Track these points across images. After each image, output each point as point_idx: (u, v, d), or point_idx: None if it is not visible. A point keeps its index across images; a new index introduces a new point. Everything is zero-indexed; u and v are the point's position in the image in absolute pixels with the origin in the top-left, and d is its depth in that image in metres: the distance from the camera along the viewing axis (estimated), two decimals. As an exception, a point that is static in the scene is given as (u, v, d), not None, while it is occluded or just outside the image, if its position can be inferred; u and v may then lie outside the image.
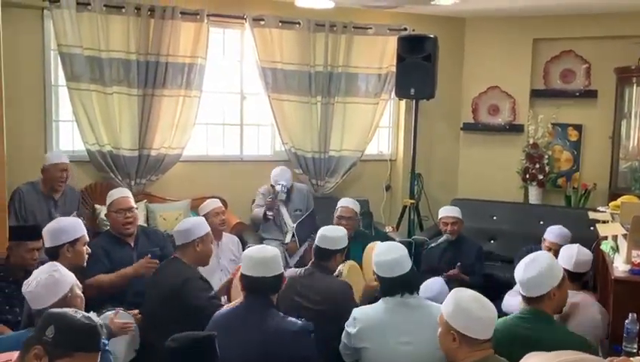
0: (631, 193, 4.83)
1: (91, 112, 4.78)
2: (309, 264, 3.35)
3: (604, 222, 3.94)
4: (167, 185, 5.18)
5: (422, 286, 3.25)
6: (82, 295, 2.43)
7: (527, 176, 5.77)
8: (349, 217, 4.51)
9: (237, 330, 2.57)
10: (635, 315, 2.77)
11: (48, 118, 4.86)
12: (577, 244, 3.36)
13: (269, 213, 4.82)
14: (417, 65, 5.28)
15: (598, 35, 5.63)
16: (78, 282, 2.44)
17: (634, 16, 5.32)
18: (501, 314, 2.62)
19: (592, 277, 3.87)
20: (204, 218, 3.77)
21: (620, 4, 5.09)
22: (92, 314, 2.05)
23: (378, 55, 5.68)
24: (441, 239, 4.54)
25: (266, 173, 5.11)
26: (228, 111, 5.54)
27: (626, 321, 2.78)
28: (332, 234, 3.33)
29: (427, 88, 5.32)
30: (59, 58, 4.70)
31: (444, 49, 5.56)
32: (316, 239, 3.34)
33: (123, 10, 4.79)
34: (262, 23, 5.25)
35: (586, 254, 3.30)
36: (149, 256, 3.57)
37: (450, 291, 2.35)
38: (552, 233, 4.07)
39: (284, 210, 4.84)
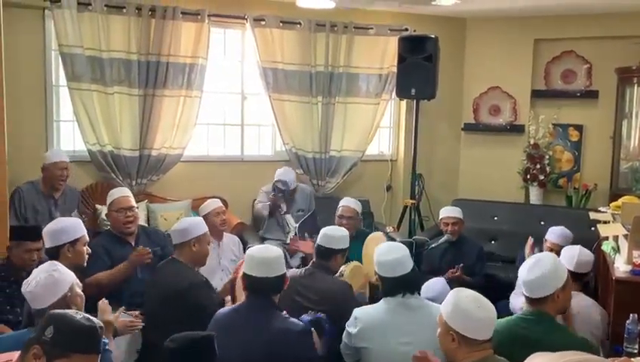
0: (632, 193, 4.83)
1: (92, 112, 4.79)
2: (310, 264, 3.35)
3: (605, 222, 3.95)
4: (168, 185, 5.18)
5: (423, 287, 3.25)
6: (82, 294, 2.43)
7: (528, 176, 5.77)
8: (350, 216, 4.52)
9: (239, 330, 2.57)
10: (636, 316, 2.77)
11: (49, 117, 4.87)
12: (579, 245, 3.36)
13: (279, 209, 4.79)
14: (418, 66, 5.28)
15: (598, 36, 5.62)
16: (78, 281, 2.44)
17: (635, 16, 5.32)
18: (501, 314, 2.61)
19: (592, 278, 3.87)
20: (202, 218, 3.77)
21: (621, 4, 5.08)
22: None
23: (379, 55, 5.67)
24: (442, 239, 4.53)
25: (267, 173, 5.11)
26: (229, 112, 5.53)
27: (627, 322, 2.78)
28: (334, 234, 3.34)
29: (428, 88, 5.32)
30: (60, 58, 4.71)
31: (445, 49, 5.55)
32: (318, 238, 3.35)
33: (124, 10, 4.80)
34: (263, 23, 5.25)
35: (588, 255, 3.30)
36: (147, 249, 3.58)
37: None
38: (554, 234, 4.06)
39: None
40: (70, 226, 3.24)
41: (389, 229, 5.23)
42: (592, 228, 4.30)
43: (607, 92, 5.65)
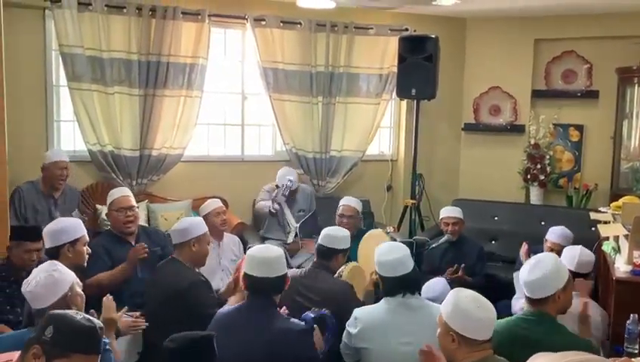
0: (632, 193, 4.82)
1: (92, 112, 4.78)
2: (311, 264, 3.35)
3: (605, 222, 3.94)
4: (169, 185, 5.18)
5: (424, 287, 3.25)
6: (83, 293, 2.43)
7: (529, 176, 5.76)
8: (351, 215, 4.53)
9: (240, 330, 2.57)
10: (636, 316, 2.77)
11: (50, 118, 4.86)
12: (580, 245, 3.36)
13: (274, 207, 4.79)
14: (418, 66, 5.28)
15: (599, 36, 5.62)
16: (78, 280, 2.43)
17: (635, 16, 5.31)
18: (502, 315, 2.60)
19: (593, 279, 3.86)
20: (202, 218, 3.77)
21: (622, 4, 5.08)
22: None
23: (379, 55, 5.67)
24: (443, 239, 4.54)
25: (267, 173, 5.11)
26: (229, 112, 5.53)
27: (628, 322, 2.78)
28: (335, 234, 3.35)
29: (428, 88, 5.32)
30: (60, 58, 4.71)
31: (446, 49, 5.55)
32: (319, 238, 3.35)
33: (124, 10, 4.80)
34: (263, 23, 5.25)
35: (589, 255, 3.30)
36: (143, 244, 3.58)
37: (452, 291, 2.35)
38: (554, 233, 4.06)
39: (287, 211, 4.84)
40: (70, 226, 3.24)
41: (390, 229, 5.22)
42: (593, 229, 4.30)
43: (607, 92, 5.65)
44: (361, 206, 4.66)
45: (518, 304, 3.33)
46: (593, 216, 4.21)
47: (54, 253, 3.13)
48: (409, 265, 2.80)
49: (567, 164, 5.94)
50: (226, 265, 4.31)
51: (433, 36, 5.33)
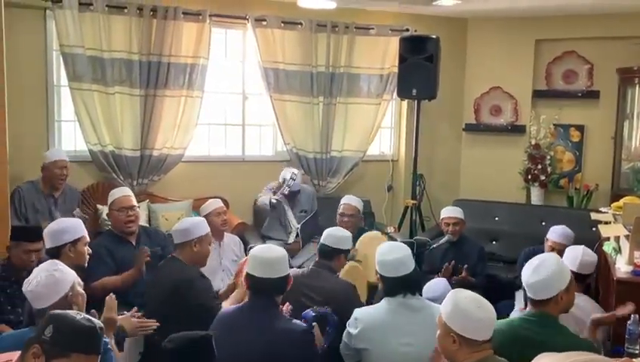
0: (633, 194, 4.81)
1: (93, 112, 4.79)
2: (312, 264, 3.35)
3: (606, 223, 3.94)
4: (169, 186, 5.18)
5: (425, 287, 3.25)
6: (84, 293, 2.43)
7: (529, 176, 5.76)
8: (352, 214, 4.53)
9: (241, 330, 2.57)
10: (637, 316, 2.76)
11: (50, 118, 4.87)
12: (582, 246, 3.36)
13: (275, 197, 4.77)
14: (419, 66, 5.28)
15: (600, 36, 5.62)
16: (79, 280, 2.43)
17: (636, 16, 5.31)
18: (502, 315, 2.60)
19: (594, 279, 3.86)
20: (204, 218, 3.78)
21: (622, 4, 5.08)
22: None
23: (380, 55, 5.67)
24: (443, 240, 4.53)
25: (268, 173, 5.11)
26: (230, 112, 5.53)
27: (628, 322, 2.77)
28: (337, 233, 3.36)
29: (429, 89, 5.32)
30: (61, 58, 4.71)
31: (446, 49, 5.55)
32: (322, 238, 3.35)
33: (125, 10, 4.80)
34: (264, 23, 5.25)
35: (591, 255, 3.29)
36: (146, 248, 3.59)
37: (453, 292, 2.34)
38: (555, 233, 4.07)
39: (289, 211, 4.85)
40: (71, 226, 3.24)
41: (390, 229, 5.23)
42: (593, 229, 4.29)
43: (608, 92, 5.65)
44: (362, 205, 4.66)
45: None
46: (594, 216, 4.20)
47: (55, 253, 3.12)
48: (410, 265, 2.79)
49: (568, 164, 5.94)
50: (226, 266, 4.31)
51: (434, 36, 5.33)
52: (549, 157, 5.73)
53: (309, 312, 2.83)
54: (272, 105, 5.38)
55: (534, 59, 5.90)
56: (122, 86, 4.86)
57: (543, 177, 5.71)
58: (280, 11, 5.30)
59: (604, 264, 3.78)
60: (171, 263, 3.35)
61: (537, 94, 5.94)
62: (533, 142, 5.77)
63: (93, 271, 3.43)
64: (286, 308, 2.84)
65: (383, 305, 2.76)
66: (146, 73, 4.90)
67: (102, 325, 1.92)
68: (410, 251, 2.87)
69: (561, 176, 5.91)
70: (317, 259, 3.35)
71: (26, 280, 2.36)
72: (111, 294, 2.75)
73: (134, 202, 3.94)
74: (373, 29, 5.62)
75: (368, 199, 5.46)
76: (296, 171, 4.87)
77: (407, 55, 5.33)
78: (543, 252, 4.10)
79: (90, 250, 3.32)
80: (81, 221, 3.44)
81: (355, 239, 3.69)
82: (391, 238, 4.51)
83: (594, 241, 3.89)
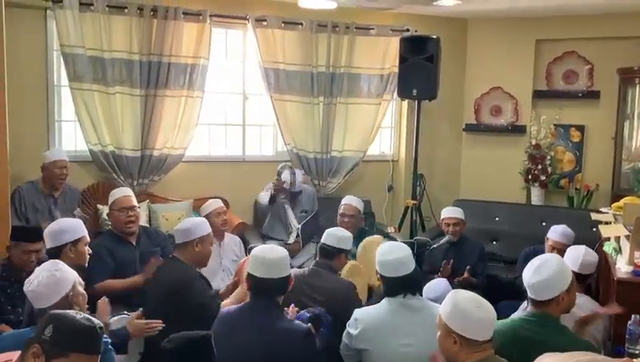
0: (633, 194, 4.81)
1: (94, 112, 4.79)
2: (313, 263, 3.35)
3: (606, 223, 3.94)
4: (170, 186, 5.18)
5: (425, 287, 3.25)
6: (84, 292, 2.43)
7: (530, 176, 5.77)
8: (352, 215, 4.53)
9: (242, 330, 2.57)
10: (637, 316, 2.76)
11: (51, 118, 4.87)
12: (584, 245, 3.35)
13: (274, 186, 4.75)
14: (420, 66, 5.28)
15: (600, 36, 5.62)
16: (80, 279, 2.43)
17: (637, 16, 5.31)
18: (502, 316, 2.59)
19: (594, 279, 3.87)
20: (205, 219, 3.78)
21: (623, 4, 5.08)
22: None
23: (380, 56, 5.67)
24: (444, 240, 4.53)
25: (268, 173, 5.11)
26: (230, 112, 5.54)
27: (629, 323, 2.77)
28: (338, 233, 3.36)
29: (429, 89, 5.32)
30: (61, 58, 4.71)
31: (447, 50, 5.55)
32: (323, 237, 3.35)
33: (125, 10, 4.80)
34: (264, 23, 5.25)
35: (593, 255, 3.29)
36: (158, 257, 3.57)
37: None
38: (556, 232, 4.07)
39: (290, 211, 4.85)
40: (71, 226, 3.25)
41: (391, 230, 5.24)
42: (594, 229, 4.29)
43: (608, 92, 5.65)
44: (362, 205, 4.66)
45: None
46: (594, 216, 4.20)
47: (56, 253, 3.12)
48: (410, 265, 2.79)
49: (568, 164, 5.94)
50: (227, 266, 4.31)
51: (434, 37, 5.34)
52: (549, 157, 5.73)
53: (304, 313, 2.83)
54: (273, 106, 5.38)
55: (535, 59, 5.90)
56: (123, 86, 4.86)
57: (543, 177, 5.71)
58: (280, 11, 5.31)
59: (604, 264, 3.78)
60: (171, 263, 3.35)
61: (538, 94, 5.94)
62: (533, 142, 5.77)
63: (94, 271, 3.43)
64: (291, 309, 2.84)
65: (384, 305, 2.76)
66: (146, 73, 4.90)
67: (102, 324, 1.92)
68: (410, 251, 2.87)
69: (562, 176, 5.91)
70: (317, 258, 3.35)
71: (27, 279, 2.36)
72: (103, 298, 2.76)
73: (135, 202, 3.94)
74: (373, 29, 5.62)
75: (369, 199, 5.46)
76: (295, 170, 4.86)
77: (408, 55, 5.33)
78: (543, 252, 4.10)
79: (91, 250, 3.32)
80: (81, 221, 3.44)
81: (355, 239, 3.69)
82: (391, 239, 4.50)
83: (594, 241, 3.89)
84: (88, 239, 3.31)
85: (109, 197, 3.96)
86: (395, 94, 5.64)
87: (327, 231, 3.40)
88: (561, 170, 5.92)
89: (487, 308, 2.20)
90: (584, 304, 3.03)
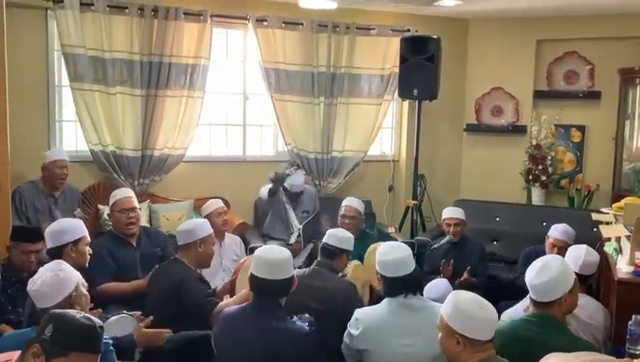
0: (634, 194, 4.81)
1: (94, 112, 4.79)
2: (314, 263, 3.35)
3: (607, 223, 3.93)
4: (170, 186, 5.19)
5: (426, 288, 3.25)
6: (87, 293, 2.44)
7: (530, 177, 5.76)
8: (353, 216, 4.52)
9: (244, 330, 2.57)
10: (638, 317, 2.75)
11: (51, 118, 4.87)
12: (585, 245, 3.35)
13: (274, 176, 4.76)
14: (420, 66, 5.28)
15: (601, 36, 5.62)
16: (83, 281, 2.44)
17: (637, 17, 5.31)
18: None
19: (595, 279, 3.86)
20: (207, 219, 3.77)
21: (624, 4, 5.08)
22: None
23: (381, 56, 5.67)
24: (444, 240, 4.53)
25: (269, 173, 5.11)
26: (231, 112, 5.54)
27: (630, 323, 2.77)
28: (340, 234, 3.36)
29: (430, 89, 5.32)
30: (62, 58, 4.72)
31: (447, 50, 5.55)
32: (325, 238, 3.35)
33: (126, 10, 4.80)
34: (265, 23, 5.25)
35: (594, 255, 3.29)
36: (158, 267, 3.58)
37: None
38: (557, 230, 4.10)
39: (291, 212, 4.85)
40: (72, 226, 3.26)
41: (391, 230, 5.23)
42: (594, 229, 4.28)
43: (609, 93, 5.65)
44: (363, 207, 4.66)
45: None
46: (595, 216, 4.20)
47: (57, 253, 3.13)
48: (411, 265, 2.78)
49: (569, 164, 5.93)
50: (227, 266, 4.31)
51: (435, 37, 5.34)
52: (549, 157, 5.73)
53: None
54: (273, 106, 5.38)
55: (535, 59, 5.90)
56: (123, 86, 4.87)
57: (543, 177, 5.71)
58: (281, 12, 5.31)
59: (605, 264, 3.77)
60: (173, 265, 3.35)
61: (538, 95, 5.94)
62: (534, 142, 5.77)
63: (95, 272, 3.43)
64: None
65: (384, 305, 2.75)
66: (147, 73, 4.90)
67: (102, 324, 1.92)
68: (410, 251, 2.86)
69: (562, 176, 5.91)
70: (319, 258, 3.34)
71: (31, 279, 2.37)
72: (98, 309, 2.75)
73: (136, 204, 3.93)
74: (374, 29, 5.62)
75: (369, 199, 5.45)
76: (296, 183, 4.85)
77: (408, 55, 5.33)
78: (543, 251, 4.11)
79: (91, 251, 3.32)
80: (81, 221, 3.45)
81: (356, 241, 3.69)
82: (391, 239, 4.50)
83: (595, 242, 3.89)
84: (89, 239, 3.32)
85: (110, 198, 3.96)
86: (396, 94, 5.64)
87: (329, 231, 3.40)
88: (561, 170, 5.92)
89: (488, 308, 2.20)
90: (586, 304, 3.03)
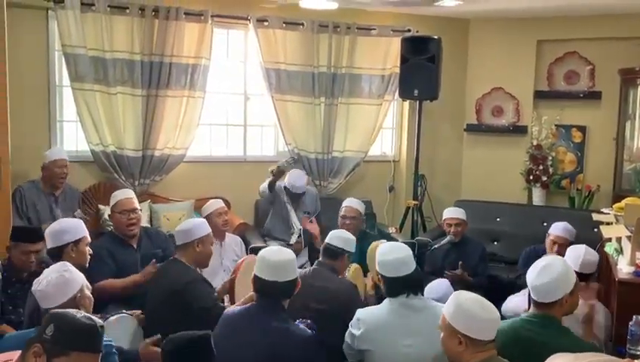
0: (635, 195, 4.81)
1: (95, 113, 4.79)
2: (315, 263, 3.35)
3: (607, 223, 3.94)
4: (171, 186, 5.19)
5: (427, 288, 3.24)
6: (91, 296, 2.44)
7: (531, 177, 5.76)
8: (353, 217, 4.52)
9: (245, 331, 2.56)
10: (639, 317, 2.76)
11: (52, 118, 4.87)
12: (584, 245, 3.36)
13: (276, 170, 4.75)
14: (421, 67, 5.28)
15: (602, 37, 5.62)
16: (87, 283, 2.44)
17: (638, 17, 5.31)
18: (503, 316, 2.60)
19: (595, 279, 3.86)
20: (205, 219, 3.77)
21: (624, 5, 5.08)
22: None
23: (382, 56, 5.68)
24: (445, 240, 4.54)
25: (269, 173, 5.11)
26: (231, 112, 5.54)
27: (630, 323, 2.77)
28: (342, 235, 3.36)
29: (431, 89, 5.33)
30: (63, 58, 4.72)
31: (448, 50, 5.55)
32: (327, 238, 3.35)
33: (127, 10, 4.80)
34: (266, 23, 5.25)
35: (593, 255, 3.30)
36: (154, 261, 3.57)
37: (456, 293, 2.34)
38: (558, 228, 4.12)
39: (292, 212, 4.84)
40: (72, 226, 3.25)
41: (392, 230, 5.23)
42: (595, 230, 4.29)
43: (610, 93, 5.65)
44: (363, 207, 4.65)
45: (512, 303, 3.35)
46: (595, 217, 4.20)
47: (57, 253, 3.13)
48: (411, 264, 2.78)
49: (570, 165, 5.93)
50: (228, 266, 4.31)
51: (436, 37, 5.34)
52: (550, 158, 5.73)
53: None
54: (274, 106, 5.38)
55: (536, 59, 5.90)
56: (124, 86, 4.87)
57: (544, 178, 5.71)
58: (281, 12, 5.31)
59: (605, 265, 3.78)
60: (173, 265, 3.34)
61: (539, 95, 5.94)
62: (534, 142, 5.76)
63: (94, 272, 3.41)
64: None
65: (385, 305, 2.75)
66: (147, 73, 4.91)
67: (102, 323, 1.93)
68: (410, 251, 2.86)
69: (563, 176, 5.91)
70: (320, 259, 3.34)
71: (36, 279, 2.37)
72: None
73: (136, 205, 3.91)
74: (374, 29, 5.62)
75: (370, 200, 5.46)
76: (298, 185, 4.85)
77: (409, 55, 5.34)
78: (543, 251, 4.12)
79: (91, 251, 3.32)
80: (82, 221, 3.44)
81: (357, 242, 3.69)
82: (392, 239, 4.50)
83: (595, 242, 3.89)
84: (89, 239, 3.31)
85: (111, 199, 3.95)
86: (397, 95, 5.64)
87: (332, 232, 3.39)
88: (562, 170, 5.92)
89: (490, 308, 2.21)
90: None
